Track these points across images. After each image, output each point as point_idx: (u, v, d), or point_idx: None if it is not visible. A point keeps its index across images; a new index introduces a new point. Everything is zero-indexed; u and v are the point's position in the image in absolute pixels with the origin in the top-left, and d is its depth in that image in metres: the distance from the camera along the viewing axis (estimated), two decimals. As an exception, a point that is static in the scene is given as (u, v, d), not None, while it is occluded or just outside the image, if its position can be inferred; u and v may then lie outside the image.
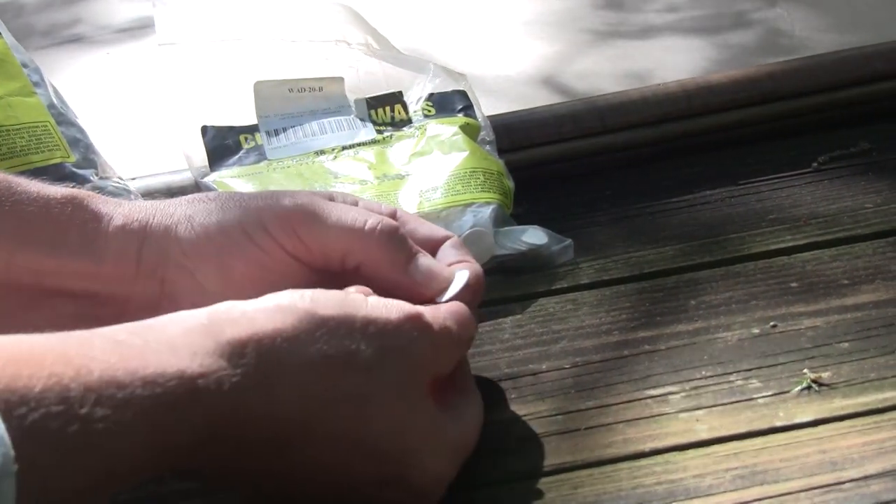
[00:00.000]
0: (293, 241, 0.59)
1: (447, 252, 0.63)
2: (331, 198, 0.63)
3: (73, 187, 0.62)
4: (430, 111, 0.81)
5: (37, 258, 0.59)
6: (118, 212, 0.61)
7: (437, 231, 0.64)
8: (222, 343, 0.49)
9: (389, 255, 0.60)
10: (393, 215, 0.64)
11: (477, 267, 0.62)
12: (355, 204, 0.64)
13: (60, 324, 0.59)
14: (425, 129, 0.80)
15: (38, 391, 0.43)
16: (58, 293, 0.60)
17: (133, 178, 0.80)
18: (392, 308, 0.54)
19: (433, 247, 0.63)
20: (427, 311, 0.56)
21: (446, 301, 0.59)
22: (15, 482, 0.41)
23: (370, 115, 0.81)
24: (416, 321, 0.55)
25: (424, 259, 0.61)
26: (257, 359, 0.49)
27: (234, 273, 0.59)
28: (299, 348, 0.51)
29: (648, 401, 0.61)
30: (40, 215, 0.59)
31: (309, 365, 0.51)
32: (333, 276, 0.59)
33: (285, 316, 0.51)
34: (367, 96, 0.82)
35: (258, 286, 0.60)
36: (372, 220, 0.60)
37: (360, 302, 0.54)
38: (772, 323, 0.66)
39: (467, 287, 0.60)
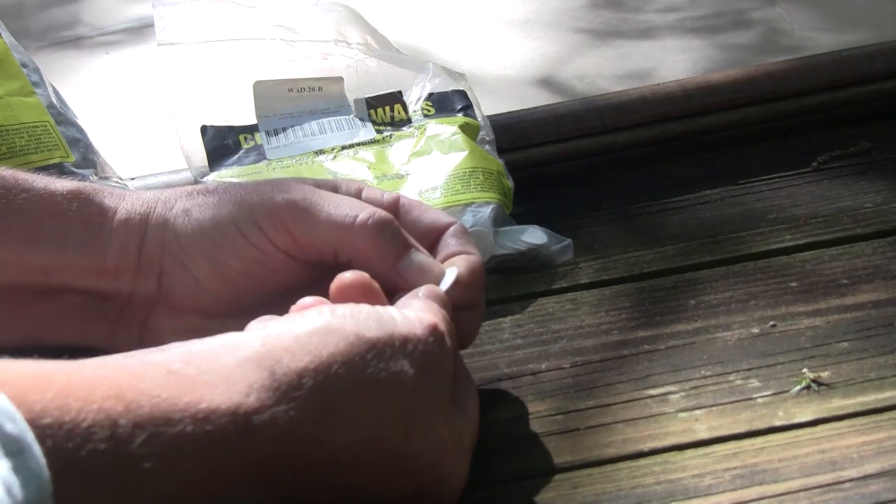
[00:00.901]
0: (284, 238, 0.59)
1: (448, 241, 0.62)
2: (335, 187, 0.63)
3: (78, 180, 0.62)
4: (429, 111, 0.81)
5: (45, 256, 0.60)
6: (121, 206, 0.61)
7: (440, 219, 0.63)
8: (279, 375, 0.48)
9: (379, 250, 0.59)
10: (395, 202, 0.63)
11: (474, 259, 0.61)
12: (359, 191, 0.63)
13: (67, 315, 0.59)
14: (425, 129, 0.80)
15: (86, 427, 0.42)
16: (66, 289, 0.61)
17: (132, 178, 0.81)
18: (415, 322, 0.53)
19: (437, 234, 0.63)
20: (436, 318, 0.55)
21: None
22: None
23: (370, 115, 0.81)
24: (435, 332, 0.54)
25: (417, 255, 0.60)
26: (314, 389, 0.48)
27: (227, 268, 0.60)
28: (354, 375, 0.50)
29: (648, 400, 0.61)
30: (47, 212, 0.60)
31: (362, 391, 0.50)
32: (327, 270, 0.58)
33: (338, 340, 0.50)
34: (367, 96, 0.82)
35: (252, 281, 0.61)
36: (363, 214, 0.59)
37: (393, 318, 0.53)
38: (771, 322, 0.66)
39: (457, 284, 0.59)
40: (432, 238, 0.63)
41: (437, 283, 0.59)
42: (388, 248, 0.59)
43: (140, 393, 0.44)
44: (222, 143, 0.79)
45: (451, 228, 0.63)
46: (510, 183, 0.78)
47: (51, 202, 0.60)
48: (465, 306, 0.60)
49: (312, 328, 0.50)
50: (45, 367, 0.44)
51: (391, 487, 0.52)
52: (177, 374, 0.46)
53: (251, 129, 0.80)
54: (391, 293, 0.58)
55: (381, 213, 0.60)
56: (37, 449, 0.40)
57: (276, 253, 0.60)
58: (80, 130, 0.78)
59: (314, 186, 0.62)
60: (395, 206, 0.63)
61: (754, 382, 0.61)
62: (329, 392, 0.49)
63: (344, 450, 0.49)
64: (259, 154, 0.79)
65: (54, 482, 0.40)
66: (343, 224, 0.59)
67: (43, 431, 0.41)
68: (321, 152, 0.79)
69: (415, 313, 0.54)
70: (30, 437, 0.40)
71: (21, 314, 0.62)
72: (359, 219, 0.59)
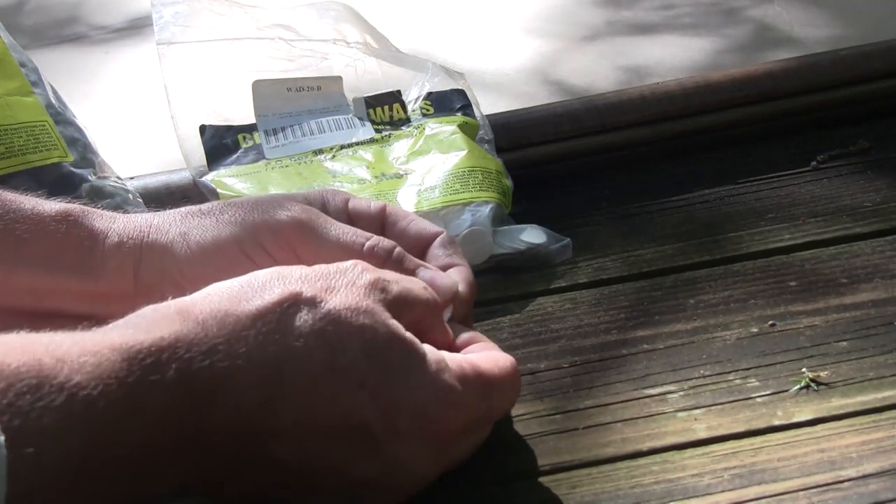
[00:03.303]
0: (291, 260, 0.59)
1: (437, 252, 0.63)
2: (323, 200, 0.63)
3: (68, 201, 0.62)
4: (428, 110, 0.81)
5: (33, 278, 0.59)
6: (113, 229, 0.61)
7: (427, 228, 0.64)
8: (172, 314, 0.50)
9: None
10: (382, 212, 0.64)
11: (467, 272, 0.62)
12: (346, 202, 0.63)
13: None
14: (424, 128, 0.80)
15: (14, 367, 0.44)
16: (57, 314, 0.60)
17: (131, 178, 0.80)
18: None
19: (424, 245, 0.63)
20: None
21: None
22: (4, 454, 0.41)
23: (368, 115, 0.81)
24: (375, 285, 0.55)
25: (425, 272, 0.60)
26: (208, 318, 0.50)
27: None
28: (244, 304, 0.51)
29: (647, 400, 0.61)
30: (36, 234, 0.59)
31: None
32: None
33: (232, 284, 0.53)
34: (366, 95, 0.82)
35: None
36: (370, 242, 0.60)
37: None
38: (770, 322, 0.66)
39: (458, 299, 0.60)
40: (419, 248, 0.63)
41: (450, 297, 0.60)
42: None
43: (56, 337, 0.47)
44: (221, 143, 0.79)
45: (438, 239, 0.63)
46: (509, 182, 0.78)
47: (39, 224, 0.59)
48: (458, 319, 0.61)
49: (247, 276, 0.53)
50: None
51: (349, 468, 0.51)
52: (87, 328, 0.49)
53: (250, 129, 0.80)
54: None
55: (385, 241, 0.60)
56: None
57: None
58: (79, 130, 0.78)
59: (304, 203, 0.62)
60: (381, 216, 0.64)
61: (753, 382, 0.61)
62: (229, 324, 0.50)
63: (270, 377, 0.50)
64: (258, 153, 0.79)
65: None
66: (351, 250, 0.59)
67: None
68: (320, 152, 0.78)
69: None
70: None
71: None
72: (366, 246, 0.60)
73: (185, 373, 0.48)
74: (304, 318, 0.51)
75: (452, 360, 0.54)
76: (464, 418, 0.54)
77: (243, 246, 0.59)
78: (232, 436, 0.49)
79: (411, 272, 0.60)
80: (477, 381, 0.54)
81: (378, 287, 0.54)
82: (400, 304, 0.54)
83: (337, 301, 0.52)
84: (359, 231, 0.61)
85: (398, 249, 0.60)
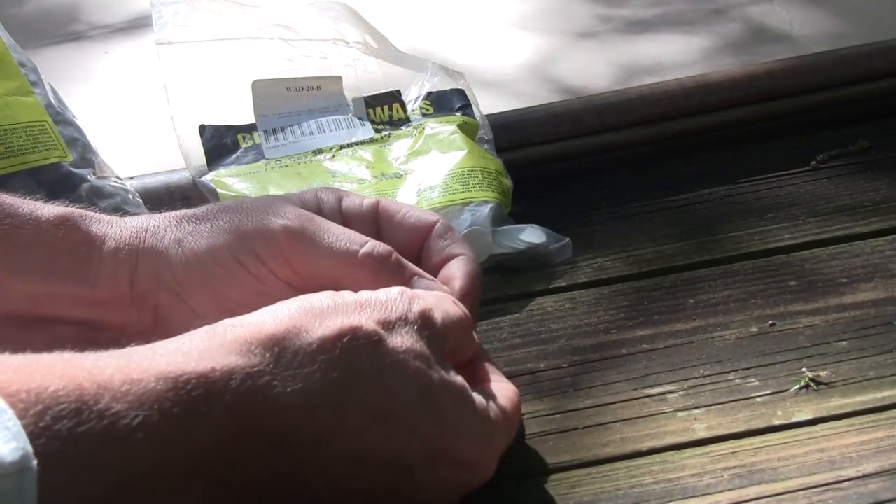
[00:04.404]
0: (285, 269, 0.59)
1: (437, 244, 0.62)
2: (318, 201, 0.62)
3: (66, 204, 0.61)
4: (428, 110, 0.81)
5: (30, 284, 0.59)
6: (110, 234, 0.60)
7: (423, 218, 0.63)
8: (228, 342, 0.48)
9: (384, 284, 0.58)
10: (375, 209, 0.63)
11: (468, 265, 0.61)
12: (339, 200, 0.63)
13: (58, 346, 0.58)
14: (423, 128, 0.80)
15: (52, 390, 0.43)
16: (54, 320, 0.59)
17: (131, 178, 0.80)
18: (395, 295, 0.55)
19: (422, 235, 0.63)
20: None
21: None
22: (36, 478, 0.40)
23: (368, 114, 0.81)
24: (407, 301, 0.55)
25: (421, 282, 0.60)
26: (265, 350, 0.49)
27: (226, 299, 0.59)
28: (303, 335, 0.50)
29: (646, 400, 0.61)
30: (33, 239, 0.59)
31: (320, 347, 0.50)
32: None
33: (290, 311, 0.51)
34: (366, 95, 0.82)
35: (251, 310, 0.59)
36: (365, 248, 0.59)
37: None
38: (770, 322, 0.66)
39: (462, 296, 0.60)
40: (418, 240, 0.63)
41: None
42: (391, 282, 0.59)
43: (99, 361, 0.45)
44: (221, 143, 0.79)
45: (436, 228, 0.63)
46: (509, 182, 0.78)
47: (36, 228, 0.59)
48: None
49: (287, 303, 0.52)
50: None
51: (400, 452, 0.51)
52: (132, 352, 0.47)
53: (250, 129, 0.80)
54: None
55: (380, 246, 0.60)
56: (10, 411, 0.41)
57: (275, 282, 0.59)
58: (79, 130, 0.78)
59: (300, 205, 0.61)
60: (374, 213, 0.63)
61: (753, 382, 0.61)
62: (283, 350, 0.49)
63: (323, 406, 0.49)
64: (257, 153, 0.79)
65: (32, 444, 0.41)
66: (345, 257, 0.59)
67: (11, 396, 0.42)
68: (320, 151, 0.78)
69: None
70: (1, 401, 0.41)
71: (10, 345, 0.60)
72: (361, 252, 0.59)
73: (235, 407, 0.47)
74: (363, 356, 0.50)
75: (488, 404, 0.55)
76: (494, 462, 0.55)
77: (236, 254, 0.59)
78: (271, 470, 0.49)
79: (407, 282, 0.59)
80: (504, 426, 0.55)
81: (426, 321, 0.54)
82: (445, 335, 0.55)
83: (396, 341, 0.52)
84: (353, 236, 0.60)
85: (394, 256, 0.60)
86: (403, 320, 0.53)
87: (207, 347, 0.48)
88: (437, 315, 0.55)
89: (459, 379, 0.53)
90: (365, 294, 0.54)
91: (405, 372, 0.51)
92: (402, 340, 0.52)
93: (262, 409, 0.48)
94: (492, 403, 0.55)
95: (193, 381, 0.46)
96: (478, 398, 0.54)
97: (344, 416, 0.49)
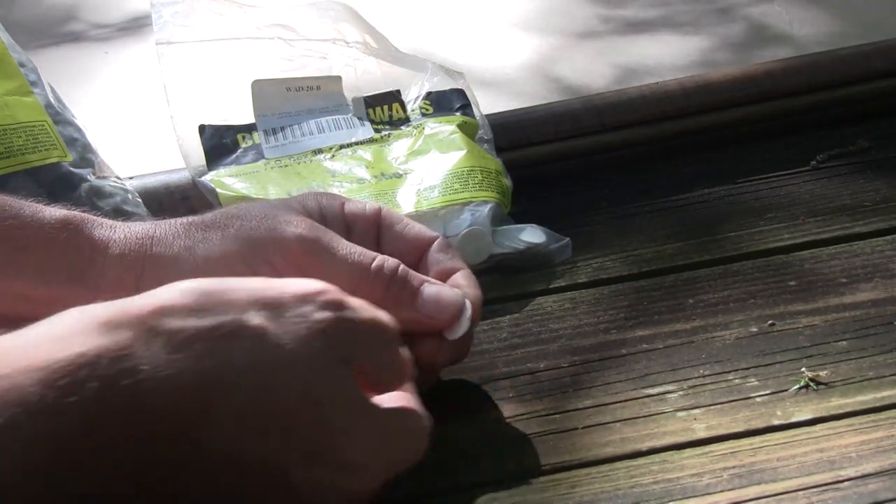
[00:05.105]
0: (296, 277, 0.56)
1: (436, 257, 0.63)
2: (320, 207, 0.62)
3: (68, 207, 0.61)
4: (428, 110, 0.81)
5: (30, 286, 0.58)
6: (114, 239, 0.60)
7: (423, 233, 0.64)
8: (99, 323, 0.47)
9: (395, 296, 0.59)
10: (377, 215, 0.63)
11: (472, 277, 0.62)
12: (342, 206, 0.63)
13: None
14: (423, 128, 0.80)
15: None
16: None
17: (131, 178, 0.80)
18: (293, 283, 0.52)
19: (422, 249, 0.63)
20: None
21: (458, 337, 0.60)
22: None
23: (368, 114, 0.81)
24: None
25: (430, 289, 0.60)
26: (132, 330, 0.47)
27: None
28: (183, 319, 0.48)
29: (646, 400, 0.61)
30: (34, 242, 0.58)
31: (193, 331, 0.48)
32: None
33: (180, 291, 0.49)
34: (365, 95, 0.82)
35: None
36: (376, 263, 0.59)
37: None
38: (770, 321, 0.66)
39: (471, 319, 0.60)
40: (417, 252, 0.63)
41: (457, 311, 0.60)
42: (401, 294, 0.59)
43: None
44: (220, 143, 0.79)
45: (436, 244, 0.63)
46: (509, 182, 0.78)
47: (38, 231, 0.58)
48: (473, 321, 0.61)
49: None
50: None
51: (273, 452, 0.49)
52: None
53: (249, 129, 0.80)
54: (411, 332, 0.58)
55: (390, 261, 0.60)
56: None
57: None
58: (78, 130, 0.78)
59: (303, 212, 0.61)
60: (377, 219, 0.63)
61: (753, 381, 0.61)
62: (151, 331, 0.47)
63: (189, 393, 0.46)
64: (257, 153, 0.79)
65: None
66: (358, 271, 0.59)
67: None
68: (319, 151, 0.78)
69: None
70: None
71: None
72: (373, 266, 0.59)
73: (101, 391, 0.45)
74: (242, 350, 0.48)
75: (389, 414, 0.53)
76: (383, 472, 0.52)
77: (250, 262, 0.59)
78: (144, 467, 0.47)
79: (415, 289, 0.60)
80: (404, 440, 0.53)
81: (332, 325, 0.51)
82: (354, 344, 0.52)
83: (285, 339, 0.49)
84: (365, 251, 0.60)
85: (402, 267, 0.60)
86: (302, 319, 0.50)
87: (75, 331, 0.46)
88: (352, 324, 0.52)
89: (356, 385, 0.51)
90: (277, 284, 0.51)
91: (288, 371, 0.49)
92: (291, 338, 0.49)
93: (129, 393, 0.45)
94: (394, 415, 0.53)
95: (60, 369, 0.45)
96: (375, 405, 0.52)
97: (213, 410, 0.47)
